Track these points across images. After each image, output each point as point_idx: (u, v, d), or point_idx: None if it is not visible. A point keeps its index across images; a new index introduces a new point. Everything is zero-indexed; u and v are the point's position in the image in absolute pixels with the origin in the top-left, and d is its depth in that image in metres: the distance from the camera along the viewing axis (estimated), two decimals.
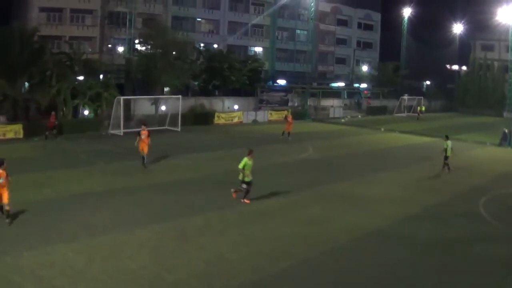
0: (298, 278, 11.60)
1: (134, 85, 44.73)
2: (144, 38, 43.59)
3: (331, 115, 54.09)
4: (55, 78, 35.42)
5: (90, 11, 53.75)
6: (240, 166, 17.01)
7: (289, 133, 34.60)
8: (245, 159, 17.09)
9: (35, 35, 37.17)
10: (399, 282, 11.77)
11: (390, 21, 78.17)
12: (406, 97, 64.36)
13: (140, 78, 43.69)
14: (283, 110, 50.22)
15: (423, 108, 59.79)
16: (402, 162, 27.69)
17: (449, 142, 24.79)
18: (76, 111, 36.98)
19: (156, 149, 28.43)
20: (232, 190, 17.59)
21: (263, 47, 69.08)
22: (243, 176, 17.08)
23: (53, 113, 32.02)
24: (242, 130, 39.69)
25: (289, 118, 35.68)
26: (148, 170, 22.65)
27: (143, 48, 44.18)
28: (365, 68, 79.33)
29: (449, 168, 24.69)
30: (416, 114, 57.92)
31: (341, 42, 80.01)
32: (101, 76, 43.00)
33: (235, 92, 53.80)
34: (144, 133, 23.19)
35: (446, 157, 24.70)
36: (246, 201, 17.29)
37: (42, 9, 51.39)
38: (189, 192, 18.75)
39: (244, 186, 17.17)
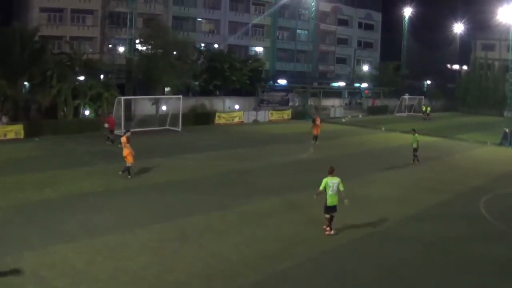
0: (299, 278, 11.60)
1: (135, 85, 44.76)
2: (145, 38, 43.60)
3: (331, 115, 54.06)
4: (56, 78, 35.47)
5: (90, 11, 53.88)
6: (321, 188, 14.33)
7: (316, 137, 32.67)
8: (325, 179, 14.40)
9: (36, 35, 37.21)
10: (399, 282, 11.77)
11: (391, 21, 78.29)
12: (406, 96, 64.36)
13: (141, 78, 43.71)
14: (284, 110, 50.34)
15: (429, 109, 58.91)
16: (402, 162, 27.63)
17: (417, 136, 26.98)
18: (76, 111, 37.01)
19: (157, 149, 28.55)
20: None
21: (263, 47, 69.15)
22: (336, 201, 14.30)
23: (111, 114, 31.41)
24: (243, 130, 39.70)
25: (318, 121, 33.57)
26: (148, 170, 22.64)
27: (144, 48, 44.19)
28: (365, 67, 79.39)
29: (418, 160, 26.75)
30: (425, 116, 56.60)
31: (342, 42, 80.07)
32: (101, 76, 43.14)
33: (236, 92, 53.85)
34: (123, 140, 21.07)
35: (416, 149, 26.68)
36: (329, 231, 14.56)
37: (43, 10, 51.55)
38: (189, 192, 18.76)
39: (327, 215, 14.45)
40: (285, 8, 69.06)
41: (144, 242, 13.38)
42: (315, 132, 32.88)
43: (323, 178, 14.58)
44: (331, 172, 14.51)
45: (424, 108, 58.74)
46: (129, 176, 20.61)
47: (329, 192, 14.15)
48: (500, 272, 12.64)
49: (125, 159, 20.77)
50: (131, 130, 31.98)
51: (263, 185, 20.41)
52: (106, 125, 30.73)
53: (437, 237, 14.90)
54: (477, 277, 12.22)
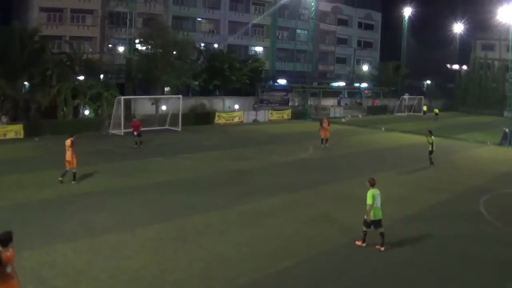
0: (299, 277, 11.59)
1: (135, 85, 44.81)
2: (145, 38, 43.64)
3: (331, 115, 54.05)
4: (56, 78, 35.51)
5: (90, 11, 53.89)
6: (369, 201, 13.15)
7: (326, 140, 31.55)
8: (370, 191, 13.30)
9: (36, 35, 37.24)
10: (399, 281, 11.77)
11: (391, 20, 78.38)
12: (406, 96, 64.44)
13: (141, 78, 43.76)
14: (284, 110, 50.34)
15: (437, 110, 59.21)
16: (402, 161, 27.68)
17: (433, 138, 26.23)
18: (76, 111, 37.03)
19: (157, 149, 28.57)
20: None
21: (263, 47, 69.16)
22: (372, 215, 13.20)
23: (135, 118, 30.38)
24: (243, 130, 39.71)
25: (325, 124, 31.99)
26: (148, 170, 22.65)
27: (144, 48, 44.22)
28: (365, 67, 79.40)
29: (432, 163, 26.14)
30: (436, 117, 56.88)
31: (342, 41, 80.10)
32: (101, 76, 43.12)
33: (236, 91, 53.86)
34: (67, 143, 19.45)
35: (431, 152, 26.05)
36: (359, 242, 13.66)
37: (43, 9, 51.56)
38: (189, 192, 18.76)
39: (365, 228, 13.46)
40: (285, 8, 69.05)
41: (144, 241, 13.38)
42: (322, 135, 31.74)
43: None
44: (374, 184, 13.44)
45: (436, 111, 58.68)
46: (73, 182, 19.20)
47: (376, 204, 13.20)
48: (500, 272, 12.64)
49: (66, 163, 19.30)
50: (131, 129, 32.26)
51: (263, 185, 20.41)
52: (132, 130, 29.40)
53: (437, 236, 14.89)
54: (477, 277, 12.21)
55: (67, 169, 19.32)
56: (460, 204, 18.97)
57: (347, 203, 18.04)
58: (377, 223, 13.26)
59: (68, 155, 19.31)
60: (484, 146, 36.52)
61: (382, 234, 13.38)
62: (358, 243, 13.59)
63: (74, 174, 19.42)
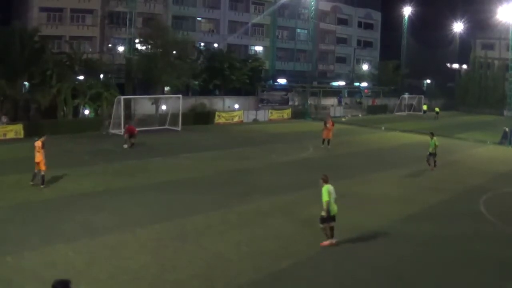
0: (299, 277, 11.60)
1: (135, 85, 44.80)
2: (145, 38, 43.61)
3: (331, 114, 53.91)
4: (56, 78, 35.49)
5: (90, 11, 53.85)
6: (325, 198, 13.19)
7: (328, 141, 30.82)
8: (325, 187, 13.36)
9: (36, 35, 37.23)
10: (399, 281, 11.77)
11: (391, 20, 78.34)
12: (406, 96, 64.45)
13: (141, 77, 43.73)
14: (284, 109, 50.32)
15: (437, 109, 59.63)
16: (402, 161, 27.69)
17: (435, 140, 25.32)
18: (76, 111, 37.03)
19: (157, 149, 28.57)
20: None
21: (263, 46, 69.07)
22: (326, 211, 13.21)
23: (128, 125, 30.09)
24: (243, 130, 39.72)
25: (329, 124, 31.04)
26: (148, 170, 22.66)
27: (144, 47, 44.21)
28: (365, 67, 79.31)
29: (435, 165, 25.14)
30: (436, 116, 57.35)
31: (342, 41, 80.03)
32: (101, 76, 43.11)
33: (236, 91, 53.83)
34: (38, 144, 18.74)
35: (432, 154, 25.07)
36: (326, 243, 13.51)
37: (42, 9, 51.52)
38: (189, 192, 18.76)
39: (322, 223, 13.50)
40: (285, 8, 69.00)
41: (144, 241, 13.38)
42: (324, 135, 30.98)
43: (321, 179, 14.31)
44: (327, 181, 13.49)
45: (437, 109, 59.25)
46: (31, 182, 18.53)
47: (331, 200, 13.25)
48: (500, 271, 12.64)
49: (37, 165, 18.53)
50: None
51: (263, 185, 20.41)
52: (126, 135, 29.00)
53: (437, 236, 14.90)
54: (476, 276, 12.22)
55: (36, 171, 18.59)
56: (460, 204, 18.97)
57: (347, 203, 17.94)
58: (332, 218, 13.32)
59: (38, 156, 18.56)
60: (484, 145, 36.54)
61: (332, 228, 13.42)
62: (326, 243, 13.37)
63: (43, 177, 18.57)
